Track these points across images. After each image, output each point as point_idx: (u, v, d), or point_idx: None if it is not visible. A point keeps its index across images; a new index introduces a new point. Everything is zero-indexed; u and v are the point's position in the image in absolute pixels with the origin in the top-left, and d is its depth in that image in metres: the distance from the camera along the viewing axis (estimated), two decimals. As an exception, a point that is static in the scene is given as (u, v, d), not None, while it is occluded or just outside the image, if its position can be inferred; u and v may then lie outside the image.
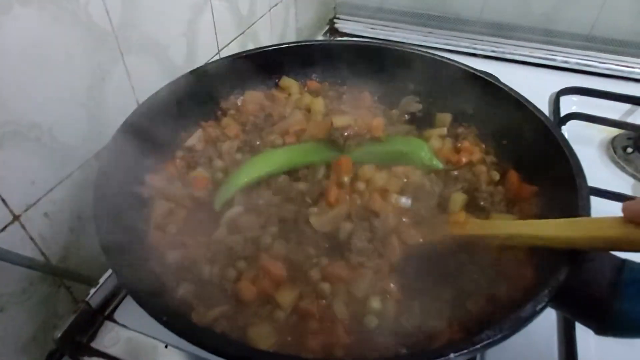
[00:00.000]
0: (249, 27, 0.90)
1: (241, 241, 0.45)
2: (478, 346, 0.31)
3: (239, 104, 0.64)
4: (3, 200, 0.48)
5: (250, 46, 0.93)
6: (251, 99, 0.64)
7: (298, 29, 1.13)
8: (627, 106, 0.80)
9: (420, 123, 0.61)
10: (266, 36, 0.99)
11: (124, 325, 0.46)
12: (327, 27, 1.03)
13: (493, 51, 0.92)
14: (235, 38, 0.87)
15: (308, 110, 0.63)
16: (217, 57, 0.82)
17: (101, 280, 0.48)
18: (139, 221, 0.48)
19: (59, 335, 0.42)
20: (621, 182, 0.68)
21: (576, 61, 0.89)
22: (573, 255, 0.36)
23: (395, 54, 0.63)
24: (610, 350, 0.46)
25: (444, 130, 0.59)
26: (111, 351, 0.44)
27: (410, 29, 0.98)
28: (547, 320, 0.48)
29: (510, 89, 0.54)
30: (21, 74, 0.46)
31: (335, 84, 0.67)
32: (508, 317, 0.33)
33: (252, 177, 0.53)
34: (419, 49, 0.64)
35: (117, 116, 0.60)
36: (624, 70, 0.87)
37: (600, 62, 0.88)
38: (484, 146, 0.57)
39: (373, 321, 0.40)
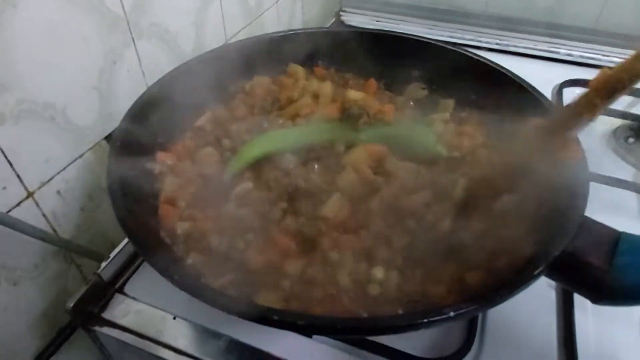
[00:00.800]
0: (256, 19, 0.92)
1: (250, 214, 0.47)
2: (476, 306, 0.33)
3: (247, 88, 0.66)
4: (18, 176, 0.49)
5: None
6: (259, 83, 0.66)
7: (304, 21, 1.15)
8: (629, 98, 0.81)
9: (425, 108, 0.62)
10: (273, 28, 1.00)
11: (134, 298, 0.48)
12: (333, 20, 1.04)
13: (497, 44, 0.93)
14: (243, 29, 0.88)
15: (315, 96, 0.64)
16: (224, 47, 0.83)
17: (112, 255, 0.49)
18: (150, 195, 0.50)
19: (72, 304, 0.44)
20: (623, 171, 0.69)
21: (580, 54, 0.89)
22: (571, 225, 0.37)
23: (399, 42, 0.64)
24: (607, 330, 0.47)
25: (447, 115, 0.60)
26: (122, 322, 0.45)
27: (415, 21, 1.00)
28: (547, 296, 0.49)
29: (513, 73, 0.55)
30: (37, 54, 0.48)
31: (341, 71, 0.68)
32: (507, 280, 0.34)
33: (264, 151, 0.55)
34: (423, 37, 0.65)
35: (128, 100, 0.62)
36: (627, 63, 0.87)
37: (603, 55, 0.89)
38: (486, 130, 0.58)
39: (376, 289, 0.41)
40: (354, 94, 0.61)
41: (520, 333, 0.46)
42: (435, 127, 0.57)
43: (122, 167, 0.45)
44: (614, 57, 0.88)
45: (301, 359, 0.44)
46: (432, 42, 0.63)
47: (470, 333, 0.45)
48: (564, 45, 0.91)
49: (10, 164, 0.48)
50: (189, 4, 0.71)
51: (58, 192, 0.55)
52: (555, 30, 0.93)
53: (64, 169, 0.55)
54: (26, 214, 0.51)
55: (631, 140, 0.72)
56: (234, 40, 0.86)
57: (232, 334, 0.45)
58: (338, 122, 0.58)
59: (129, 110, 0.53)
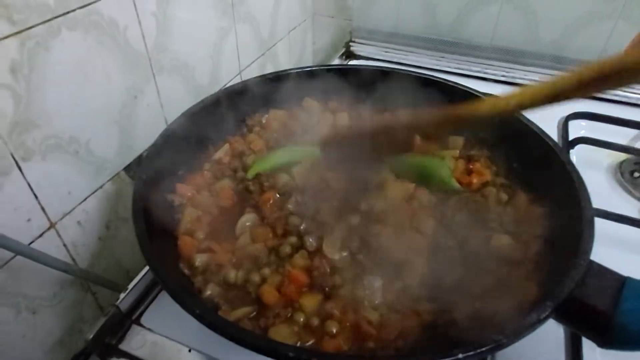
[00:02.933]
0: (268, 49, 0.95)
1: (264, 250, 0.48)
2: (484, 348, 0.34)
3: (264, 121, 0.68)
4: (42, 209, 0.51)
5: (270, 67, 0.98)
6: (275, 117, 0.68)
7: (315, 52, 1.18)
8: (634, 131, 0.82)
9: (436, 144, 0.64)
10: (285, 58, 1.03)
11: (150, 329, 0.49)
12: (343, 50, 1.07)
13: (504, 76, 0.95)
14: (256, 59, 0.91)
15: (331, 127, 0.67)
16: (238, 78, 0.86)
17: (130, 286, 0.50)
18: (170, 226, 0.52)
19: (91, 336, 0.45)
20: (628, 206, 0.70)
21: (585, 87, 0.91)
22: (577, 270, 0.38)
23: (411, 79, 0.66)
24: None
25: (457, 152, 0.62)
26: (138, 353, 0.46)
27: (423, 53, 1.02)
28: (556, 335, 0.50)
29: (520, 114, 0.57)
30: (65, 92, 0.51)
31: (356, 105, 0.70)
32: (513, 324, 0.35)
33: (287, 160, 0.59)
34: (434, 75, 0.68)
35: (146, 132, 0.65)
36: (632, 97, 0.89)
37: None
38: (494, 168, 0.59)
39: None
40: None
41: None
42: (447, 163, 0.59)
43: (145, 199, 0.47)
44: (619, 90, 0.90)
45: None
46: (441, 80, 0.65)
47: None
48: (569, 78, 0.93)
49: (36, 197, 0.50)
50: (207, 38, 0.74)
51: (78, 223, 0.57)
52: (560, 63, 0.95)
53: (84, 199, 0.57)
54: (48, 244, 0.53)
55: (637, 174, 0.73)
56: (247, 70, 0.89)
57: (247, 369, 0.45)
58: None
59: (153, 144, 0.56)
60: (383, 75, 0.69)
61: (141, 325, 0.49)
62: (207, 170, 0.61)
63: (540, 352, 0.47)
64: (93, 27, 0.52)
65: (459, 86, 0.65)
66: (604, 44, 0.92)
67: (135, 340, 0.48)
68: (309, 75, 0.69)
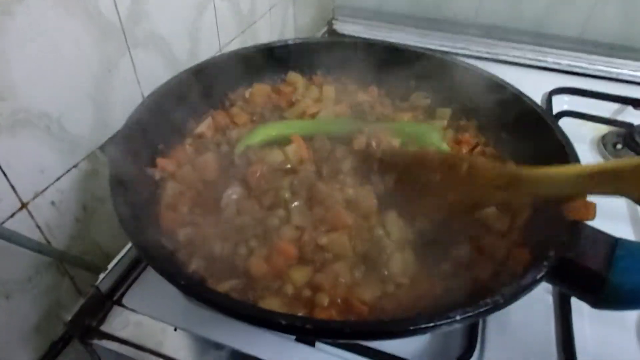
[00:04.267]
0: (249, 27, 0.92)
1: (251, 222, 0.47)
2: (482, 310, 0.33)
3: (247, 95, 0.66)
4: (12, 187, 0.48)
5: (251, 45, 0.95)
6: (259, 91, 0.66)
7: (297, 29, 1.15)
8: (615, 105, 0.83)
9: (424, 116, 0.64)
10: (266, 36, 1.01)
11: (132, 310, 0.47)
12: (325, 28, 1.05)
13: (487, 52, 0.95)
14: (236, 37, 0.88)
15: (317, 100, 0.65)
16: (218, 55, 0.83)
17: (110, 266, 0.48)
18: (152, 201, 0.50)
19: (69, 318, 0.43)
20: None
21: (567, 62, 0.92)
22: (570, 232, 0.38)
23: (397, 52, 0.65)
24: (604, 333, 0.48)
25: (444, 123, 0.61)
26: (121, 334, 0.45)
27: (407, 30, 1.01)
28: (544, 306, 0.50)
29: (508, 83, 0.57)
30: (32, 62, 0.47)
31: (340, 79, 0.69)
32: (510, 285, 0.35)
33: (278, 133, 0.57)
34: (420, 48, 0.67)
35: (123, 108, 0.62)
36: (613, 72, 0.90)
37: (589, 64, 0.91)
38: (483, 139, 0.59)
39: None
40: (362, 95, 0.63)
41: (520, 338, 0.47)
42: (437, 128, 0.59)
43: (123, 173, 0.45)
44: (600, 65, 0.90)
45: (304, 368, 0.44)
46: (428, 53, 0.64)
47: (472, 339, 0.45)
48: (552, 54, 0.93)
49: (5, 175, 0.47)
50: (184, 13, 0.71)
51: (52, 203, 0.54)
52: (542, 39, 0.95)
53: (58, 179, 0.54)
54: (20, 225, 0.50)
55: (619, 146, 0.74)
56: (227, 48, 0.86)
57: (235, 345, 0.44)
58: (348, 118, 0.59)
59: (130, 117, 0.53)
60: (369, 47, 0.67)
61: (123, 306, 0.47)
62: (189, 145, 0.59)
63: (529, 317, 0.47)
64: (61, -7, 0.48)
65: (443, 58, 0.64)
66: (585, 20, 0.92)
67: (117, 322, 0.46)
68: (292, 48, 0.68)
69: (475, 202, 0.46)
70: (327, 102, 0.64)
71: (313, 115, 0.62)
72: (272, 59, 0.67)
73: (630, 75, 0.89)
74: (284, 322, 0.34)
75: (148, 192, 0.50)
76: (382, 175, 0.51)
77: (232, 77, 0.65)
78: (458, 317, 0.33)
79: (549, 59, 0.92)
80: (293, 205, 0.50)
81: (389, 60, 0.65)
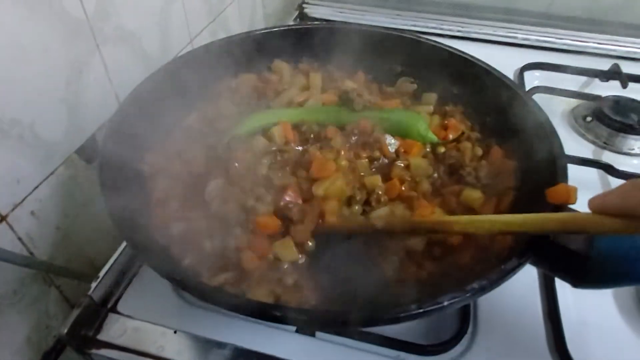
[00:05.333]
0: (218, 15, 0.90)
1: (234, 209, 0.47)
2: (469, 294, 0.35)
3: (233, 85, 0.65)
4: (-11, 201, 0.47)
5: (221, 34, 0.92)
6: (244, 81, 0.65)
7: (266, 15, 1.13)
8: (583, 78, 0.86)
9: (411, 101, 0.64)
10: (236, 24, 0.98)
11: (129, 316, 0.46)
12: (296, 13, 1.03)
13: (459, 31, 0.95)
14: (206, 26, 0.86)
15: (304, 88, 0.65)
16: (189, 47, 0.81)
17: (101, 274, 0.47)
18: (142, 197, 0.49)
19: (65, 330, 0.42)
20: (582, 149, 0.74)
21: (536, 38, 0.94)
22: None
23: (379, 37, 0.65)
24: (585, 300, 0.51)
25: (430, 108, 0.62)
26: (119, 342, 0.44)
27: (378, 11, 1.00)
28: (531, 280, 0.52)
29: (489, 66, 0.57)
30: (-1, 69, 0.45)
31: (326, 66, 0.68)
32: (496, 269, 0.37)
33: (268, 122, 0.57)
34: (402, 32, 0.67)
35: (96, 109, 0.60)
36: (579, 45, 0.92)
37: (557, 38, 0.93)
38: (469, 123, 0.60)
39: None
40: (349, 82, 0.63)
41: (510, 313, 0.49)
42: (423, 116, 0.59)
43: (113, 172, 0.45)
44: (567, 39, 0.93)
45: (306, 357, 0.45)
46: (408, 36, 0.65)
47: (465, 318, 0.47)
48: (521, 30, 0.95)
49: (-20, 189, 0.45)
50: (151, 4, 0.68)
51: (32, 213, 0.53)
52: (511, 15, 0.97)
53: (36, 187, 0.52)
54: (1, 239, 0.49)
55: (589, 119, 0.76)
56: (198, 39, 0.83)
57: (236, 342, 0.45)
58: (335, 105, 0.59)
59: (116, 114, 0.52)
60: (353, 33, 0.67)
61: (118, 312, 0.47)
62: (177, 138, 0.58)
63: (517, 293, 0.49)
64: (22, -7, 0.46)
65: (437, 44, 0.65)
66: (552, -6, 0.94)
67: (114, 329, 0.45)
68: (276, 36, 0.67)
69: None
70: (314, 90, 0.64)
71: (300, 104, 0.61)
72: (256, 48, 0.66)
73: (595, 48, 0.92)
74: (278, 314, 0.34)
75: (138, 188, 0.50)
76: None
77: (217, 68, 0.64)
78: (446, 303, 0.34)
79: (519, 35, 0.94)
80: (273, 175, 0.50)
81: (374, 45, 0.65)
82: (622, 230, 0.32)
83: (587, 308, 0.50)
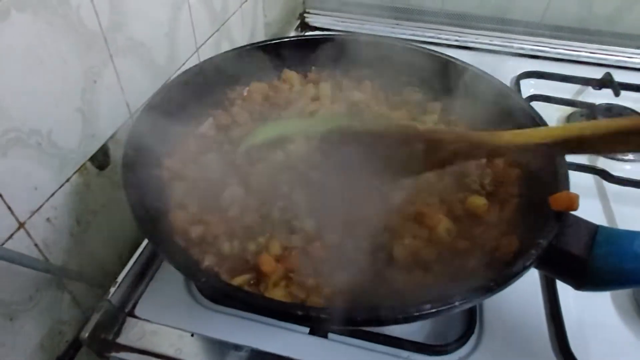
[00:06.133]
0: (222, 24, 0.91)
1: (256, 219, 0.49)
2: (477, 295, 0.37)
3: (245, 94, 0.67)
4: (9, 208, 0.47)
5: (225, 44, 0.94)
6: (256, 89, 0.67)
7: (267, 24, 1.15)
8: (577, 86, 0.89)
9: (417, 110, 0.66)
10: (238, 33, 1.00)
11: (147, 320, 0.48)
12: (297, 22, 1.05)
13: (456, 40, 0.98)
14: (211, 35, 0.88)
15: (314, 98, 0.66)
16: (195, 56, 0.83)
17: (119, 279, 0.49)
18: (162, 201, 0.51)
19: (87, 334, 0.43)
20: (578, 155, 0.76)
21: (531, 47, 0.97)
22: (555, 221, 0.41)
23: (386, 47, 0.67)
24: (586, 302, 0.53)
25: (435, 117, 0.64)
26: (138, 345, 0.45)
27: (377, 21, 1.03)
28: (533, 282, 0.54)
29: (493, 78, 0.59)
30: (20, 80, 0.46)
31: (334, 75, 0.70)
32: (502, 272, 0.39)
33: (280, 133, 0.58)
34: (409, 42, 0.69)
35: (109, 118, 0.61)
36: (573, 54, 0.96)
37: (551, 48, 0.96)
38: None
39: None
40: (357, 93, 0.65)
41: (514, 315, 0.51)
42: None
43: (134, 174, 0.47)
44: (561, 49, 0.96)
45: (319, 358, 0.46)
46: (416, 48, 0.67)
47: (471, 319, 0.49)
48: (516, 39, 0.98)
49: (1, 196, 0.46)
50: (161, 15, 0.70)
51: (48, 220, 0.54)
52: (506, 25, 1.00)
53: (52, 195, 0.53)
54: (19, 245, 0.49)
55: (584, 126, 0.79)
56: (203, 47, 0.85)
57: (253, 344, 0.46)
58: (346, 116, 0.61)
59: (137, 120, 0.54)
60: (361, 44, 0.68)
61: (136, 317, 0.48)
62: (192, 145, 0.59)
63: (521, 295, 0.51)
64: (43, 7, 0.47)
65: (438, 54, 0.67)
66: (546, 4, 0.97)
67: (132, 333, 0.46)
68: (285, 46, 0.69)
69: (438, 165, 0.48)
70: (324, 100, 0.65)
71: (312, 114, 0.63)
72: (267, 58, 0.68)
73: (588, 57, 0.95)
74: (300, 313, 0.36)
75: (158, 192, 0.51)
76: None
77: (230, 76, 0.66)
78: (457, 303, 0.36)
79: (515, 44, 0.97)
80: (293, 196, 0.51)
81: (379, 54, 0.67)
82: None
83: (587, 309, 0.52)
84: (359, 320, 0.38)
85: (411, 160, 0.45)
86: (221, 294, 0.37)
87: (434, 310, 0.37)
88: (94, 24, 0.55)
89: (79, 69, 0.54)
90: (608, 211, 0.65)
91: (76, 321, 0.60)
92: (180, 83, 0.60)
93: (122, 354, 0.45)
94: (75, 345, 0.57)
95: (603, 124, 0.38)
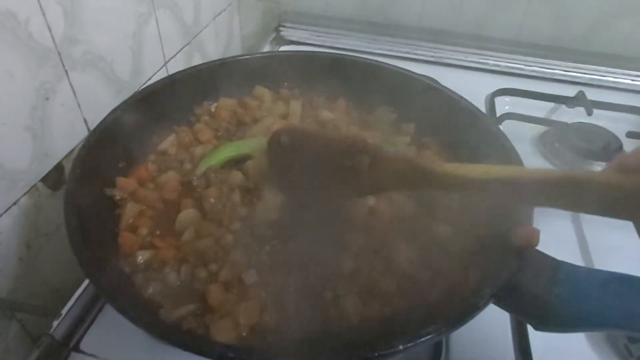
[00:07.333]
0: (194, 37, 0.89)
1: (211, 244, 0.46)
2: (424, 338, 0.34)
3: (212, 110, 0.65)
4: (-54, 235, 0.44)
5: (197, 56, 0.92)
6: (224, 105, 0.65)
7: (243, 37, 1.13)
8: (551, 104, 0.89)
9: (390, 130, 0.64)
10: (212, 46, 0.98)
11: (92, 355, 0.45)
12: (273, 35, 1.04)
13: (432, 56, 0.97)
14: (182, 49, 0.85)
15: (284, 116, 0.64)
16: (164, 70, 0.80)
17: (64, 311, 0.46)
18: (111, 223, 0.48)
19: (23, 372, 0.40)
20: (550, 174, 0.76)
21: (506, 64, 0.96)
22: (514, 256, 0.39)
23: (359, 66, 0.66)
24: (558, 336, 0.51)
25: (407, 139, 0.62)
26: (82, 383, 0.42)
27: (354, 35, 1.01)
28: (501, 315, 0.52)
29: (468, 102, 0.58)
30: (-41, 98, 0.44)
31: (307, 93, 0.68)
32: (455, 311, 0.36)
33: (238, 153, 0.57)
34: (382, 61, 0.67)
35: (64, 136, 0.58)
36: (547, 72, 0.96)
37: (526, 65, 0.96)
38: (445, 155, 0.59)
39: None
40: (326, 113, 0.63)
41: (482, 346, 0.49)
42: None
43: (80, 197, 0.43)
44: (535, 67, 0.96)
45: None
46: (389, 66, 0.65)
47: (437, 350, 0.47)
48: (491, 56, 0.97)
49: (-64, 223, 0.43)
50: (123, 28, 0.67)
51: (-8, 245, 0.51)
52: (482, 42, 0.99)
53: (-3, 218, 0.50)
54: (-43, 273, 0.46)
55: (557, 145, 0.79)
56: (172, 61, 0.83)
57: (204, 382, 0.43)
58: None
59: (88, 136, 0.51)
60: (335, 61, 0.67)
61: (82, 352, 0.45)
62: (151, 162, 0.57)
63: (488, 327, 0.49)
64: (-14, 21, 0.45)
65: (404, 71, 0.65)
66: (521, 21, 0.98)
67: (76, 370, 0.43)
68: (258, 61, 0.67)
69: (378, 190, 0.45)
70: (293, 118, 0.64)
71: None
72: (238, 73, 0.65)
73: (562, 75, 0.95)
74: (231, 356, 0.33)
75: (107, 214, 0.49)
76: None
77: (198, 91, 0.64)
78: (401, 347, 0.33)
79: (490, 61, 0.97)
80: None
81: (353, 72, 0.66)
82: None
83: (558, 344, 0.50)
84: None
85: (355, 176, 0.42)
86: (152, 332, 0.35)
87: (375, 354, 0.33)
88: (46, 38, 0.52)
89: (29, 86, 0.52)
90: (579, 233, 0.64)
91: (25, 350, 0.57)
92: (143, 97, 0.57)
93: (64, 393, 0.41)
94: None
95: (542, 170, 0.35)
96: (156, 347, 0.46)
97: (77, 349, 0.45)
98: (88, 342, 0.46)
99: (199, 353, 0.33)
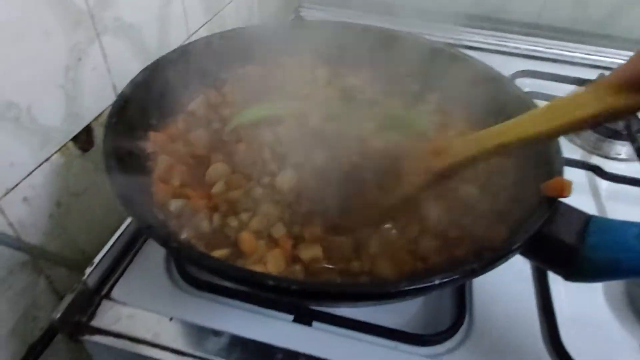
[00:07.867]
0: (216, 14, 0.90)
1: (241, 196, 0.47)
2: (459, 275, 0.35)
3: (240, 76, 0.66)
4: (-18, 183, 0.46)
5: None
6: (251, 71, 0.66)
7: (262, 17, 1.14)
8: (571, 87, 0.89)
9: (413, 100, 0.64)
10: (233, 24, 0.99)
11: (124, 303, 0.46)
12: (293, 16, 1.05)
13: (452, 38, 0.98)
14: (204, 25, 0.86)
15: (307, 82, 0.65)
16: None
17: (96, 260, 0.47)
18: (143, 174, 0.49)
19: (58, 315, 0.41)
20: (571, 153, 0.76)
21: (526, 47, 0.96)
22: (546, 208, 0.39)
23: (382, 36, 0.67)
24: (577, 295, 0.52)
25: (431, 107, 0.62)
26: (113, 328, 0.43)
27: (373, 18, 1.02)
28: (524, 276, 0.53)
29: (494, 70, 0.59)
30: (-1, 53, 0.45)
31: (331, 61, 0.68)
32: (488, 254, 0.37)
33: (266, 114, 0.58)
34: (409, 32, 0.68)
35: (94, 98, 0.59)
36: (567, 55, 0.96)
37: (546, 48, 0.96)
38: (469, 122, 0.59)
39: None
40: (351, 79, 0.64)
41: (505, 306, 0.49)
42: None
43: (117, 146, 0.45)
44: (556, 49, 0.96)
45: (303, 346, 0.44)
46: (419, 39, 0.66)
47: (461, 310, 0.47)
48: (512, 39, 0.97)
49: (-27, 170, 0.44)
50: (151, 1, 0.68)
51: (25, 199, 0.52)
52: (502, 24, 1.00)
53: (30, 173, 0.52)
54: (-8, 223, 0.48)
55: (577, 124, 0.78)
56: (195, 36, 0.84)
57: (233, 330, 0.44)
58: (338, 100, 0.60)
59: (123, 91, 0.53)
60: (363, 31, 0.68)
61: (113, 299, 0.46)
62: (181, 121, 0.58)
63: (511, 287, 0.50)
64: (27, -21, 0.46)
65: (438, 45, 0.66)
66: (540, 6, 0.97)
67: (108, 316, 0.44)
68: (285, 29, 0.68)
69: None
70: (319, 84, 0.64)
71: (306, 97, 0.62)
72: (264, 40, 0.66)
73: (582, 58, 0.95)
74: (271, 283, 0.33)
75: (140, 165, 0.50)
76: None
77: (225, 56, 0.65)
78: (437, 282, 0.34)
79: (510, 44, 0.97)
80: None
81: (381, 44, 0.66)
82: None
83: (579, 303, 0.51)
84: (335, 295, 0.36)
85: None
86: (191, 261, 0.36)
87: (412, 287, 0.34)
88: (81, 1, 0.54)
89: (64, 45, 0.53)
90: (600, 207, 0.64)
91: (52, 307, 0.58)
92: (173, 59, 0.59)
93: (96, 338, 0.42)
94: (50, 332, 0.54)
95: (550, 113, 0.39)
96: (182, 297, 0.47)
97: (108, 296, 0.46)
98: (119, 291, 0.47)
99: (255, 286, 0.34)
